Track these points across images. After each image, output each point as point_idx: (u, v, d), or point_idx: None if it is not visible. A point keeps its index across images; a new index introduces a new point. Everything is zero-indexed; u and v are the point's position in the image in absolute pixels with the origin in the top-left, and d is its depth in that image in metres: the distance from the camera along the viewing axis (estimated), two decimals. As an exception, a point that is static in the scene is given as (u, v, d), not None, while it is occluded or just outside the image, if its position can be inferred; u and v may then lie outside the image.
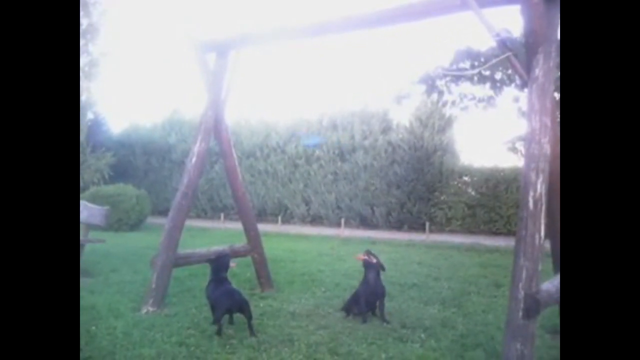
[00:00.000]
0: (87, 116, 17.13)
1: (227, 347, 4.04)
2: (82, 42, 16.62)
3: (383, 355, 3.90)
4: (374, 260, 5.03)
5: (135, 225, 13.31)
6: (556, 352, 3.65)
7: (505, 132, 13.00)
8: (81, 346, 3.91)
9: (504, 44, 3.76)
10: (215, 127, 5.77)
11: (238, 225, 6.99)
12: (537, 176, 3.41)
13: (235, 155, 6.19)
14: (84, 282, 6.32)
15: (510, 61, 3.77)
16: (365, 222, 14.63)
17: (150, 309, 5.01)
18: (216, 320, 4.36)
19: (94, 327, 4.36)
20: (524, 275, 3.42)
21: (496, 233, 12.74)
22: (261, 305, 5.42)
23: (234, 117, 15.49)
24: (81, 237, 6.96)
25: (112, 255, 8.31)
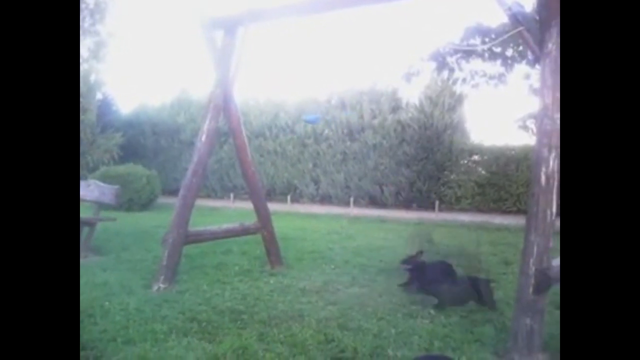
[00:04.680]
0: (96, 96, 17.17)
1: (239, 322, 4.07)
2: (89, 22, 16.61)
3: (393, 331, 3.92)
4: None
5: (146, 204, 13.40)
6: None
7: (516, 109, 12.94)
8: (96, 320, 3.98)
9: (516, 18, 3.69)
10: (224, 105, 5.75)
11: (247, 205, 7.02)
12: (550, 152, 3.37)
13: (244, 134, 6.18)
14: (95, 260, 6.41)
15: (522, 35, 3.70)
16: (374, 201, 14.63)
17: (162, 285, 5.06)
18: None
19: (107, 303, 4.41)
20: (534, 251, 3.41)
21: (506, 212, 12.71)
22: (271, 281, 5.46)
23: (242, 96, 15.48)
24: (92, 216, 7.03)
25: (123, 234, 8.39)
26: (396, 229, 10.11)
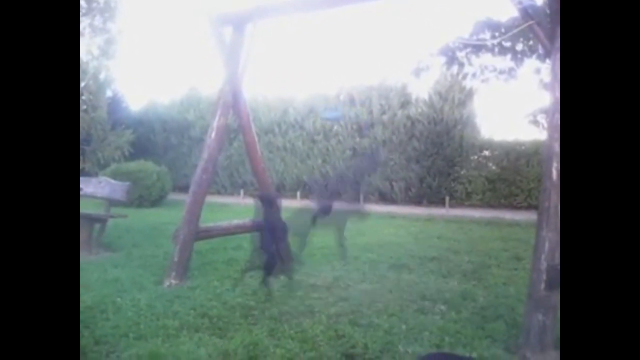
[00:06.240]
0: (106, 94, 17.26)
1: (249, 318, 4.09)
2: (100, 20, 16.69)
3: (403, 327, 3.91)
4: None
5: (156, 201, 13.48)
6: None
7: (527, 104, 12.82)
8: (108, 316, 4.01)
9: (526, 12, 3.66)
10: (233, 102, 5.76)
11: (257, 201, 7.00)
12: (561, 146, 3.34)
13: (254, 130, 6.18)
14: (107, 256, 6.46)
15: (533, 30, 3.67)
16: (384, 197, 14.60)
17: (173, 281, 5.08)
18: None
19: (119, 299, 4.44)
20: (546, 246, 3.39)
21: (517, 207, 12.64)
22: (282, 277, 5.47)
23: (251, 93, 15.46)
24: (103, 213, 7.08)
25: (134, 230, 8.44)
26: (406, 225, 10.08)
